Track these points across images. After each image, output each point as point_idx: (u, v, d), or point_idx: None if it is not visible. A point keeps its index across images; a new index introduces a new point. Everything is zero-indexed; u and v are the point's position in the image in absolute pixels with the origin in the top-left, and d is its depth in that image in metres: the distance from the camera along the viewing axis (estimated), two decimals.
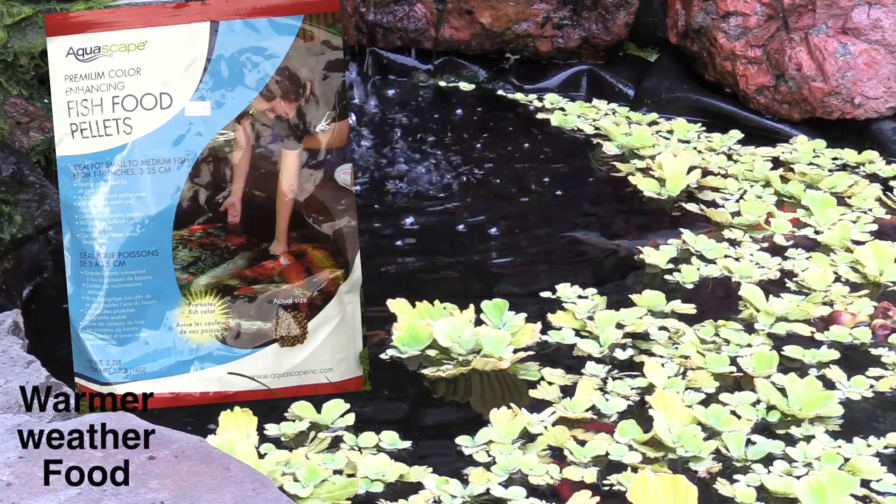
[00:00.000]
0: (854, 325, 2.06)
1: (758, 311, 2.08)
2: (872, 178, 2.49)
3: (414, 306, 2.00)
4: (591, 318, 2.04)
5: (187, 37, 1.78)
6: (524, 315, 2.02)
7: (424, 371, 1.93)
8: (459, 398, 1.90)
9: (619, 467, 1.77)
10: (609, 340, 1.99)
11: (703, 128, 2.64)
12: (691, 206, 2.38)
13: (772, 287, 2.15)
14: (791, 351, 2.00)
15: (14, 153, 2.11)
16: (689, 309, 2.08)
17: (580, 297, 2.11)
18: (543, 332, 2.01)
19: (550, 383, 1.91)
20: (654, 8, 2.82)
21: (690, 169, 2.46)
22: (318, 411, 1.82)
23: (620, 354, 1.98)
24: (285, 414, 1.82)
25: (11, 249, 2.07)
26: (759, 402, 1.89)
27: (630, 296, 2.10)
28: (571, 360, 1.98)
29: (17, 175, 2.08)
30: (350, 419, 1.81)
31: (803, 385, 1.89)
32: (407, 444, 1.79)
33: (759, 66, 2.60)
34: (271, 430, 1.79)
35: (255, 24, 1.79)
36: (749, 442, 1.81)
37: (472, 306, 2.01)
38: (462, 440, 1.79)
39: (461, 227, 2.34)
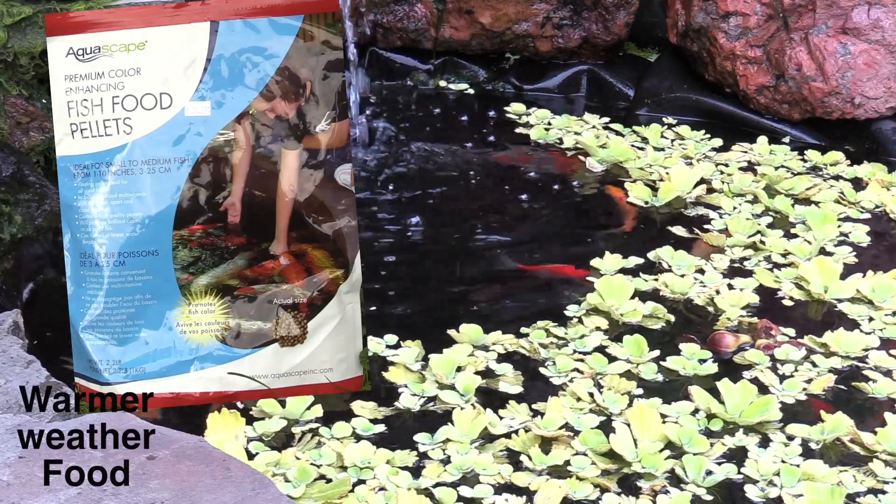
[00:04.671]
0: (737, 346, 2.01)
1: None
2: (837, 179, 2.47)
3: None
4: (424, 367, 1.97)
5: (187, 37, 1.77)
6: None
7: None
8: None
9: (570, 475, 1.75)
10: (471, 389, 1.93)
11: (704, 131, 2.62)
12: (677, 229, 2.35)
13: (696, 307, 2.10)
14: (672, 362, 1.97)
15: (14, 153, 2.11)
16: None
17: (391, 346, 2.02)
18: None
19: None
20: (654, 8, 2.82)
21: (698, 183, 2.43)
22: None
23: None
24: (251, 411, 1.84)
25: (11, 249, 2.07)
26: (697, 410, 1.87)
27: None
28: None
29: (17, 175, 2.09)
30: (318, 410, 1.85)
31: (738, 391, 1.86)
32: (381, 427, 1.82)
33: (759, 66, 2.60)
34: (248, 431, 1.82)
35: (255, 24, 1.79)
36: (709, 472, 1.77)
37: None
38: (421, 437, 1.81)
39: (408, 237, 2.32)
